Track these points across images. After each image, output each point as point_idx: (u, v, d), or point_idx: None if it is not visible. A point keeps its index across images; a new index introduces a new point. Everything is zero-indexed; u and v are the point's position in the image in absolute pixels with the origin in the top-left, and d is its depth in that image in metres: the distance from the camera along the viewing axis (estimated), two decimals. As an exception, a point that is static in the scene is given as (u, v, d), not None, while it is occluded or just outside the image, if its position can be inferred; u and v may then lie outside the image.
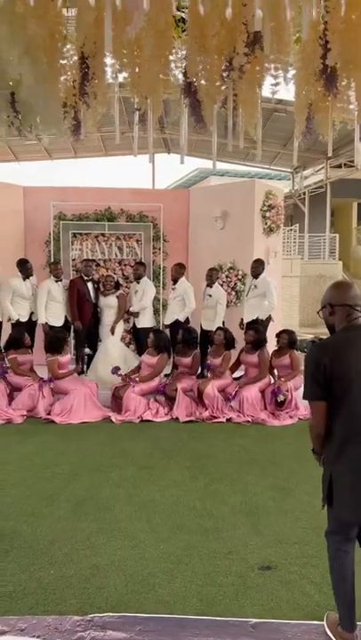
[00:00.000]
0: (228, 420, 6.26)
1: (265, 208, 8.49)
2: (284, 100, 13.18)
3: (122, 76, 3.48)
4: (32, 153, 19.13)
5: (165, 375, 7.00)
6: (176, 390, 6.42)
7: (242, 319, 7.37)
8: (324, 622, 2.49)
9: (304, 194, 23.44)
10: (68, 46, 3.04)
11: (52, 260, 8.31)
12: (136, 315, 7.53)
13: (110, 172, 48.92)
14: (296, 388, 6.65)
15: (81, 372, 7.40)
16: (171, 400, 6.49)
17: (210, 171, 27.21)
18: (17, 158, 19.45)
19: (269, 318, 7.35)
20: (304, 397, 2.34)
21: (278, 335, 6.89)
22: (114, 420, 6.15)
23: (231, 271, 8.45)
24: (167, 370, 7.01)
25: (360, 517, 2.28)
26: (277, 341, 6.89)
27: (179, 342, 6.80)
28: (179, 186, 28.91)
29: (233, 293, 8.39)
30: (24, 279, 7.14)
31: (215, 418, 6.27)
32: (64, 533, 3.49)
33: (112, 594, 2.83)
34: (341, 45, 2.38)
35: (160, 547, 3.33)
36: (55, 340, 6.51)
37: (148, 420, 6.17)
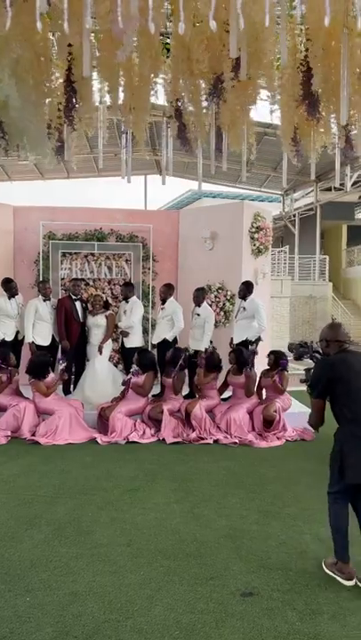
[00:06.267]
0: (216, 441, 6.20)
1: (253, 229, 8.54)
2: (274, 124, 13.40)
3: (109, 99, 3.53)
4: (24, 173, 19.23)
5: (153, 396, 6.94)
6: (162, 412, 6.36)
7: (232, 339, 7.37)
8: (323, 566, 3.31)
9: (294, 216, 23.70)
10: (54, 69, 3.06)
11: (41, 279, 8.29)
12: (125, 334, 7.50)
13: (104, 193, 49.18)
14: (285, 408, 6.62)
15: (67, 392, 7.32)
16: (156, 422, 6.42)
17: (202, 192, 27.46)
18: (10, 178, 19.56)
19: (259, 339, 7.34)
20: (312, 395, 3.33)
21: (268, 356, 6.89)
22: (99, 441, 6.07)
23: (220, 291, 8.46)
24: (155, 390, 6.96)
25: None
26: (268, 362, 6.88)
27: (165, 362, 6.76)
28: (171, 207, 29.13)
29: (222, 314, 8.39)
30: (9, 298, 7.10)
31: (202, 439, 6.21)
32: (43, 558, 3.41)
33: (89, 622, 2.75)
34: (323, 72, 2.42)
35: (140, 572, 3.26)
36: (38, 364, 6.39)
37: (135, 442, 6.09)
